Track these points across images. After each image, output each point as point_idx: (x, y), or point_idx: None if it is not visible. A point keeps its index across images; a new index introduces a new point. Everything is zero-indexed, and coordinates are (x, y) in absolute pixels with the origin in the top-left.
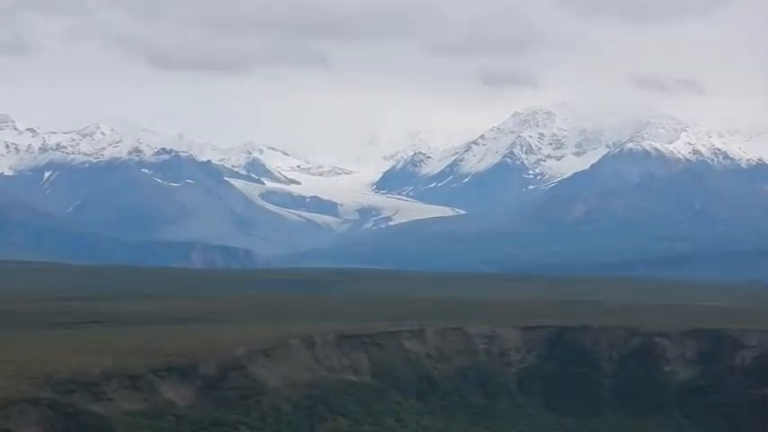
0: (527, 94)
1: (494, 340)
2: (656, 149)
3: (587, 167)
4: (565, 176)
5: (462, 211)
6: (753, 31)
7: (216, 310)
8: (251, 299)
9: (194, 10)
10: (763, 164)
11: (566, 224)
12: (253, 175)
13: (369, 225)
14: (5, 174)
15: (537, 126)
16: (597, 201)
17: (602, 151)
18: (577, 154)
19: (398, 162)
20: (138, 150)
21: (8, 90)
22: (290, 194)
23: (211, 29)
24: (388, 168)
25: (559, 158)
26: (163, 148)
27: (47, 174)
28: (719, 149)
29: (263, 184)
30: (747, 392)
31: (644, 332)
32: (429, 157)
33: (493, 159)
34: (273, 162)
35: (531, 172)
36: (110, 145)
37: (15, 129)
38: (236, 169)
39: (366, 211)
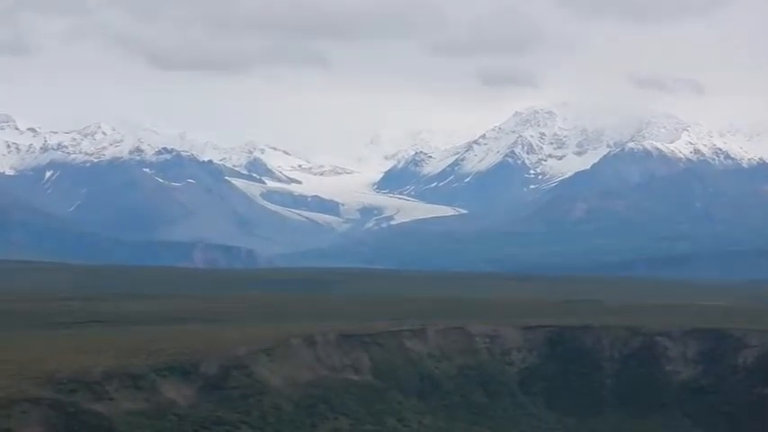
0: (528, 94)
1: (495, 340)
2: (657, 149)
3: (588, 167)
4: (566, 176)
5: (463, 211)
6: (753, 30)
7: (217, 310)
8: (252, 298)
9: (195, 10)
10: (764, 163)
11: (566, 224)
12: (254, 175)
13: (370, 225)
14: (6, 173)
15: (538, 126)
16: (598, 200)
17: (603, 151)
18: (578, 154)
19: (399, 162)
20: (139, 150)
21: (9, 90)
22: (291, 194)
23: (212, 29)
24: (389, 168)
25: (560, 158)
26: (164, 148)
27: (48, 173)
28: (720, 149)
29: (264, 183)
30: (749, 392)
31: (645, 332)
32: (430, 156)
33: (494, 159)
34: (275, 162)
35: (531, 172)
36: (111, 145)
37: (16, 128)
38: (237, 169)
39: (367, 211)
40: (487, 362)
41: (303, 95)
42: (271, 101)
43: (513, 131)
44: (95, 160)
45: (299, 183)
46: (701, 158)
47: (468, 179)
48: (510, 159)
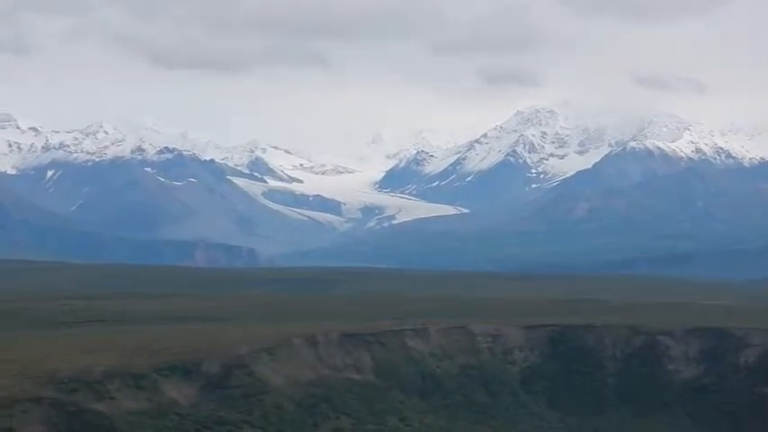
0: (529, 93)
1: (497, 339)
2: (659, 148)
3: (590, 166)
4: (567, 175)
5: (465, 210)
6: (755, 29)
7: (219, 309)
8: (254, 298)
9: (196, 9)
10: (766, 162)
11: (568, 223)
12: (255, 174)
13: (372, 224)
14: (8, 173)
15: (539, 125)
16: (600, 199)
17: (605, 150)
18: (580, 153)
19: (401, 161)
20: (140, 149)
21: (11, 89)
22: (292, 193)
23: (213, 28)
24: (390, 167)
25: (562, 157)
26: (165, 147)
27: (50, 173)
28: (722, 148)
29: (265, 182)
30: (750, 391)
31: (647, 331)
32: (432, 155)
33: (495, 158)
34: (276, 161)
35: (533, 171)
36: (112, 144)
37: (18, 128)
38: (238, 168)
39: (369, 210)
40: (489, 361)
41: (305, 95)
42: (272, 100)
43: (515, 130)
44: (97, 159)
45: (301, 182)
46: (703, 157)
47: (469, 178)
48: (511, 158)
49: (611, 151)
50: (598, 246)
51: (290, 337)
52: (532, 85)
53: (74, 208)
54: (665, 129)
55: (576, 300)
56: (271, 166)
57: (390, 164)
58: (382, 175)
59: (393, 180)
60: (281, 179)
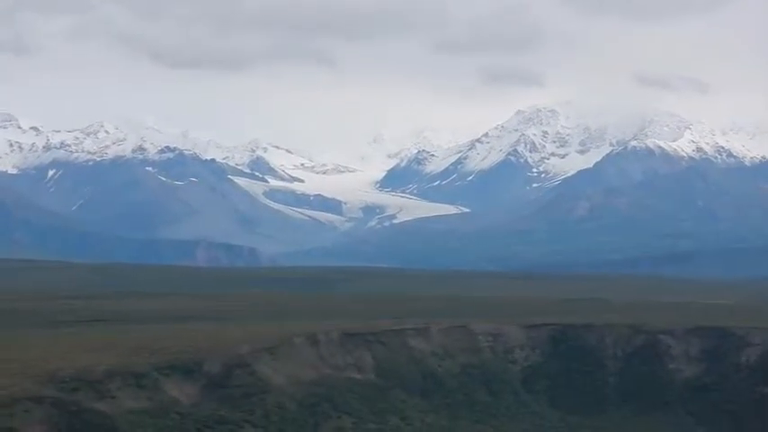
0: (531, 93)
1: (498, 338)
2: (660, 147)
3: (591, 165)
4: (568, 174)
5: (466, 210)
6: (756, 28)
7: (220, 309)
8: (255, 297)
9: (198, 8)
10: (767, 162)
11: (569, 222)
12: (257, 174)
13: (373, 223)
14: (9, 172)
15: (540, 124)
16: (601, 199)
17: (606, 149)
18: (581, 152)
19: (402, 160)
20: (141, 149)
21: (12, 89)
22: (293, 193)
23: (215, 27)
24: (392, 166)
25: (563, 156)
26: (167, 147)
27: (51, 172)
28: (723, 147)
29: (266, 182)
30: (751, 390)
31: (648, 330)
32: (433, 155)
33: (497, 157)
34: (277, 160)
35: (534, 170)
36: (113, 143)
37: (19, 127)
38: (239, 167)
39: (370, 210)
40: (490, 360)
41: (306, 94)
42: (273, 99)
43: (516, 130)
44: (98, 159)
45: (302, 181)
46: (704, 157)
47: (470, 177)
48: (513, 158)
49: (613, 150)
50: (599, 245)
51: (291, 337)
52: (534, 85)
53: (75, 207)
54: (666, 128)
55: (577, 299)
56: (272, 166)
57: (391, 163)
58: (383, 174)
59: (394, 179)
60: (283, 178)
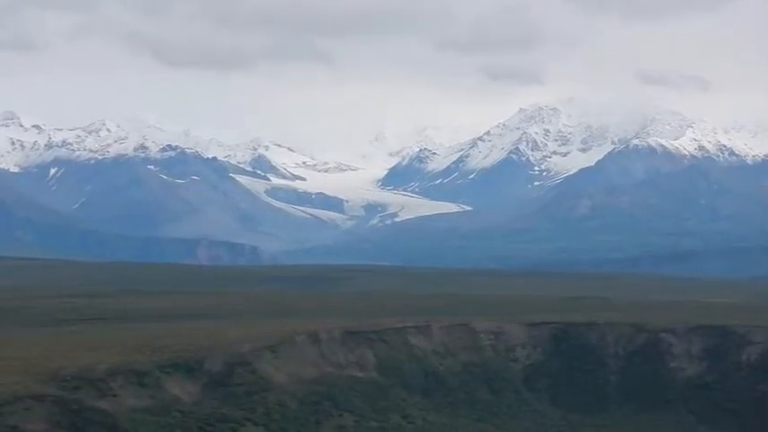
0: (533, 91)
1: (500, 336)
2: (662, 146)
3: (593, 164)
4: (570, 173)
5: (468, 208)
6: (759, 26)
7: (221, 307)
8: (256, 295)
9: (199, 7)
10: None
11: (571, 220)
12: (258, 172)
13: (374, 221)
14: (11, 170)
15: (542, 122)
16: (603, 197)
17: (608, 147)
18: (583, 150)
19: (404, 158)
20: (143, 147)
21: (14, 86)
22: (295, 191)
23: (216, 25)
24: (393, 165)
25: (565, 155)
26: (168, 145)
27: (52, 170)
28: (725, 145)
29: (268, 180)
30: (753, 388)
31: (650, 328)
32: (435, 153)
33: (498, 155)
34: (279, 158)
35: (536, 168)
36: (115, 142)
37: (21, 125)
38: (241, 166)
39: (372, 208)
40: (492, 359)
41: (308, 92)
42: (275, 97)
43: (518, 128)
44: (100, 157)
45: (304, 179)
46: (706, 155)
47: (472, 176)
48: (514, 156)
49: (614, 149)
50: (601, 243)
51: (292, 335)
52: (535, 83)
53: (76, 206)
54: (668, 126)
55: (579, 297)
56: (273, 164)
57: (393, 161)
58: (385, 172)
59: (396, 177)
60: (284, 177)
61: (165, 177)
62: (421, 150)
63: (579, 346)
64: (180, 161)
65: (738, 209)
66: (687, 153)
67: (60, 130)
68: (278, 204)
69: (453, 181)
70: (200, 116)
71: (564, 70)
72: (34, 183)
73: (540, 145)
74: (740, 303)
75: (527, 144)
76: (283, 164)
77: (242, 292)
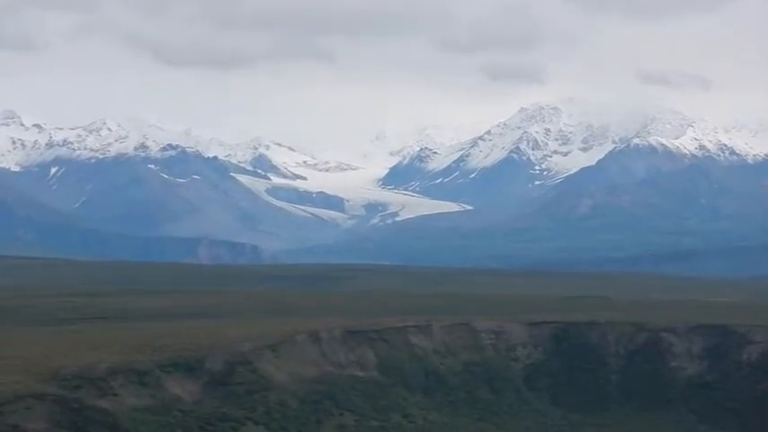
0: (533, 90)
1: (500, 336)
2: (663, 145)
3: (593, 163)
4: (571, 172)
5: (469, 207)
6: (759, 26)
7: (222, 306)
8: (257, 294)
9: (200, 6)
10: None
11: (572, 220)
12: (259, 171)
13: (375, 221)
14: (12, 170)
15: (543, 122)
16: (603, 196)
17: (609, 147)
18: (584, 149)
19: (405, 158)
20: (144, 146)
21: (15, 86)
22: (296, 190)
23: (217, 25)
24: (394, 164)
25: (566, 154)
26: (169, 144)
27: (53, 170)
28: (726, 145)
29: (269, 179)
30: (753, 388)
31: (650, 328)
32: (435, 152)
33: (499, 155)
34: (280, 158)
35: (537, 167)
36: (116, 141)
37: (22, 125)
38: (242, 165)
39: (372, 207)
40: (493, 358)
41: (308, 91)
42: (276, 97)
43: (519, 127)
44: (100, 156)
45: (305, 179)
46: (707, 154)
47: (473, 175)
48: (515, 155)
49: (615, 148)
50: (602, 243)
51: (293, 334)
52: (536, 82)
53: (77, 205)
54: (668, 125)
55: (580, 296)
56: (274, 163)
57: (394, 161)
58: (386, 171)
59: (396, 177)
60: (285, 176)
61: (165, 177)
62: (421, 150)
63: (580, 345)
64: (180, 160)
65: (739, 208)
66: (688, 152)
67: (61, 129)
68: (279, 204)
69: (454, 180)
70: (200, 115)
71: (564, 70)
72: (35, 182)
73: (541, 144)
74: (741, 303)
75: (528, 143)
76: (284, 163)
77: (243, 292)
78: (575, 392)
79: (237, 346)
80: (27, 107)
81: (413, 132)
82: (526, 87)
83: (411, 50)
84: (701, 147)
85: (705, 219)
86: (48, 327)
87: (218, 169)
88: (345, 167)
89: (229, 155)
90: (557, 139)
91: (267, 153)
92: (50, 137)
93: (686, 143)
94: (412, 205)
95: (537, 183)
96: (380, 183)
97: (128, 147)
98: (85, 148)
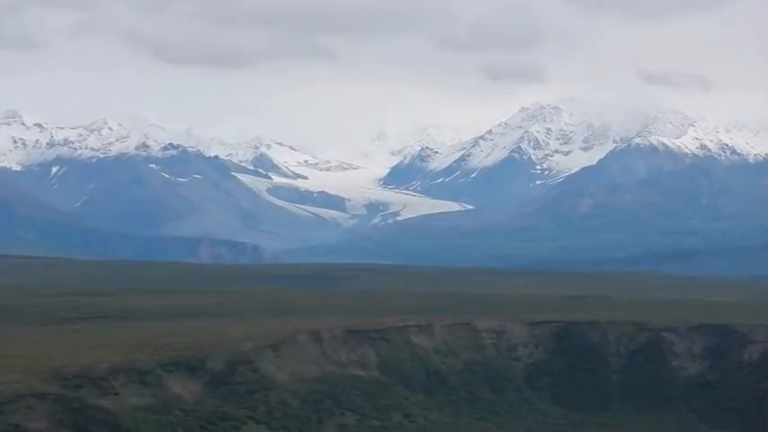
0: (534, 90)
1: (501, 335)
2: (664, 144)
3: (594, 162)
4: (572, 171)
5: (470, 207)
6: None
7: (223, 305)
8: (258, 294)
9: (201, 4)
10: None
11: (573, 219)
12: (260, 170)
13: (376, 220)
14: (13, 169)
15: (544, 121)
16: (604, 196)
17: (610, 146)
18: (585, 149)
19: (406, 157)
20: (145, 146)
21: (16, 85)
22: (297, 189)
23: (218, 23)
24: (395, 163)
25: (567, 153)
26: (170, 144)
27: (54, 169)
28: (727, 144)
29: (270, 179)
30: (755, 387)
31: (651, 327)
32: (436, 152)
33: (500, 154)
34: (281, 157)
35: (538, 167)
36: (117, 140)
37: (23, 124)
38: (243, 164)
39: (373, 207)
40: (494, 357)
41: (309, 91)
42: (277, 96)
43: (520, 127)
44: (102, 156)
45: (306, 178)
46: (708, 154)
47: (474, 174)
48: (516, 155)
49: (616, 147)
50: (603, 242)
51: (294, 334)
52: (537, 82)
53: (78, 204)
54: (669, 125)
55: (581, 296)
56: (275, 163)
57: (395, 160)
58: (387, 171)
59: (397, 176)
60: (286, 175)
61: (166, 176)
62: (422, 149)
63: (581, 344)
64: (181, 160)
65: (740, 207)
66: (689, 152)
67: (62, 128)
68: (280, 203)
69: (455, 180)
70: (201, 115)
71: (565, 70)
72: (36, 181)
73: (542, 144)
74: (742, 302)
75: (529, 143)
76: (285, 162)
77: (244, 291)
78: (576, 392)
79: (239, 345)
80: (28, 106)
81: (414, 132)
82: (526, 87)
83: (411, 49)
84: (702, 146)
85: (706, 218)
86: (49, 326)
87: (220, 169)
88: (346, 167)
89: (230, 154)
90: (558, 139)
91: (268, 152)
92: (51, 136)
93: (687, 143)
94: (413, 205)
95: (538, 182)
96: (381, 182)
97: (129, 146)
98: (86, 148)
